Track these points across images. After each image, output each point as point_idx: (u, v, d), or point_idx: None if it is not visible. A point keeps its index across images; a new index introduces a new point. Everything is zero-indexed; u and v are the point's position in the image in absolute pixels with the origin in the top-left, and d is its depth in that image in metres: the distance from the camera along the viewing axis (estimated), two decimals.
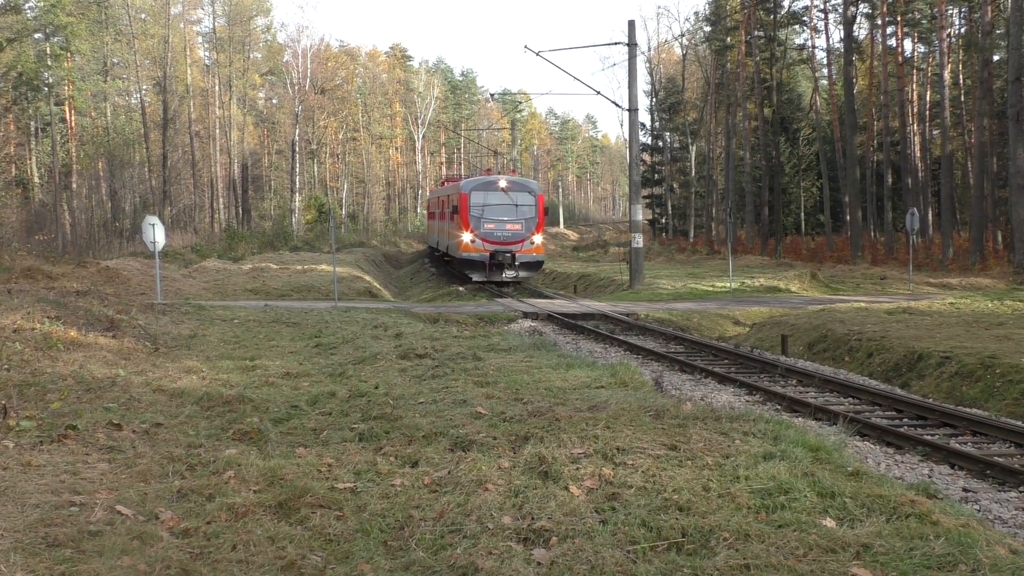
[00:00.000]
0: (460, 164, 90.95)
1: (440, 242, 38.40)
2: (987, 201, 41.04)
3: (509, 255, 29.99)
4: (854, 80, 46.07)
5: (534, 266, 30.84)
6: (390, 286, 38.66)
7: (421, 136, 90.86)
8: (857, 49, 48.08)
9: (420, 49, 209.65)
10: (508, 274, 30.17)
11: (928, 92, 49.68)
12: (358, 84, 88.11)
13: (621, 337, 18.05)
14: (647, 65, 67.37)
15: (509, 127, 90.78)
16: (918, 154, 47.53)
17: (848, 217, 45.70)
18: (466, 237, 29.99)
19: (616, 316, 20.97)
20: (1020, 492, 8.18)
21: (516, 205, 30.30)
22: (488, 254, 29.92)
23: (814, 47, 55.76)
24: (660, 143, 71.59)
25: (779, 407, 11.80)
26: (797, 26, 58.01)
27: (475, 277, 30.63)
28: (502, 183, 30.46)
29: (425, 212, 62.95)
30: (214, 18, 69.92)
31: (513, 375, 10.83)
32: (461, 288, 30.24)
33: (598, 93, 32.47)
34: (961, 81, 47.52)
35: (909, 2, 46.02)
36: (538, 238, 30.48)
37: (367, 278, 34.19)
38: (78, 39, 57.38)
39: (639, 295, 27.28)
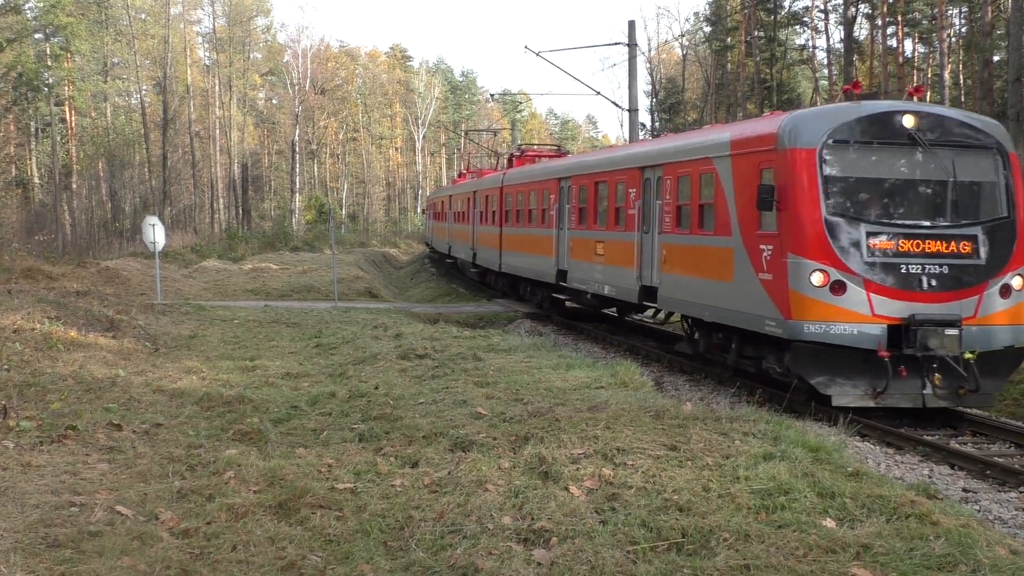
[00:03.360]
0: (460, 163, 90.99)
1: (581, 274, 18.32)
2: None
3: (952, 331, 10.69)
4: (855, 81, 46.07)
5: (1010, 364, 11.56)
6: (390, 286, 38.66)
7: (421, 136, 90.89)
8: (857, 49, 48.12)
9: (420, 49, 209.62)
10: (937, 394, 10.78)
11: (928, 93, 49.70)
12: (358, 84, 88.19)
13: (621, 337, 18.04)
14: (647, 65, 67.38)
15: (509, 127, 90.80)
16: None
17: None
18: (812, 278, 10.82)
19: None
20: (1020, 492, 8.18)
21: (951, 182, 11.31)
22: (885, 326, 10.75)
23: (814, 47, 55.87)
24: None
25: (779, 407, 11.79)
26: (797, 26, 58.03)
27: (841, 397, 10.92)
28: (907, 120, 11.26)
29: (433, 210, 45.16)
30: (214, 18, 69.98)
31: (513, 375, 10.83)
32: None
33: (598, 93, 32.39)
34: (961, 81, 47.57)
35: (909, 3, 46.05)
36: (1017, 280, 11.42)
37: (367, 278, 34.20)
38: (78, 39, 57.43)
39: None
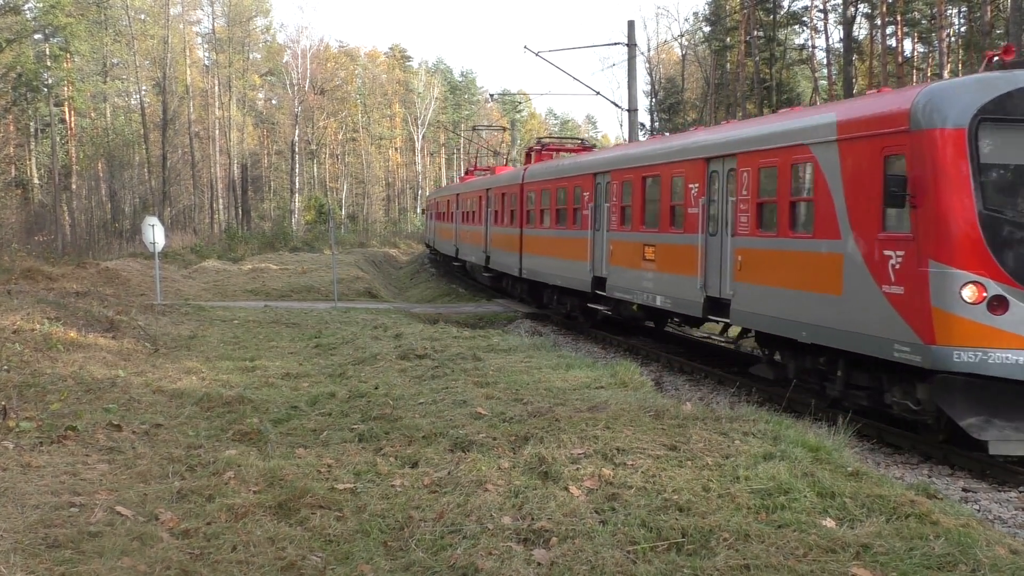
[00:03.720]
0: (460, 163, 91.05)
1: (624, 282, 16.21)
2: None
3: None
4: (854, 80, 46.10)
5: None
6: (390, 286, 38.64)
7: (421, 136, 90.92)
8: (857, 49, 48.14)
9: (420, 49, 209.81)
10: None
11: None
12: (357, 85, 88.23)
13: (621, 337, 18.04)
14: (647, 65, 67.38)
15: (509, 127, 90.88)
16: None
17: None
18: (963, 292, 8.63)
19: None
20: (1020, 492, 8.17)
21: None
22: None
23: (814, 47, 55.88)
24: None
25: (778, 407, 11.79)
26: (797, 26, 58.08)
27: (1001, 444, 8.54)
28: None
29: (435, 210, 41.88)
30: (213, 19, 70.05)
31: (513, 375, 10.83)
32: None
33: (597, 93, 32.38)
34: None
35: (909, 2, 46.07)
36: None
37: (367, 278, 34.18)
38: (77, 40, 57.48)
39: None
